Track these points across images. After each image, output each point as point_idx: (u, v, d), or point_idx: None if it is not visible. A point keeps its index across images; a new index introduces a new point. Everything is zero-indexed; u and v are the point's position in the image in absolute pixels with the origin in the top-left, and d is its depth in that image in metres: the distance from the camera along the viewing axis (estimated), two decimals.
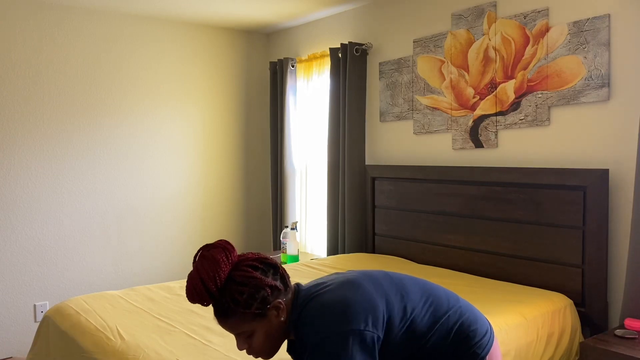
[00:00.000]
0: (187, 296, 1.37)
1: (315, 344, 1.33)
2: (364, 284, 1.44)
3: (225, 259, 1.37)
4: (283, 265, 1.55)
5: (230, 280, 1.36)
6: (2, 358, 3.65)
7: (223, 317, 1.37)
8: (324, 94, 4.21)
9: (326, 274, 3.11)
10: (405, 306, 1.44)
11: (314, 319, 1.37)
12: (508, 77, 3.01)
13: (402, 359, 1.44)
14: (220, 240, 1.42)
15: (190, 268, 4.45)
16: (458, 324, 1.49)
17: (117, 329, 2.26)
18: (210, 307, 2.56)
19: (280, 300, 1.40)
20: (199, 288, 1.34)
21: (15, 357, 3.69)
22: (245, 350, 1.50)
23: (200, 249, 1.41)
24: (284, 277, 1.44)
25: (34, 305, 3.78)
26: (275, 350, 1.45)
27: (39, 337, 2.65)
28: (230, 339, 2.15)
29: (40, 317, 3.76)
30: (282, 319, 1.41)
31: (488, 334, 1.53)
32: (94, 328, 2.30)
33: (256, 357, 1.45)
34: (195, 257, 1.40)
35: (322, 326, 1.34)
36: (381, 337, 1.38)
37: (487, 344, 1.51)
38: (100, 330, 2.27)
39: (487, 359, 1.50)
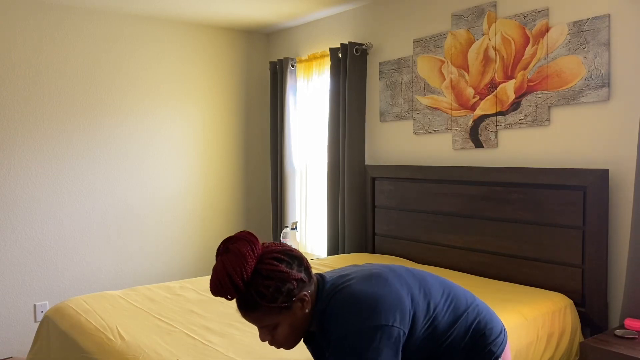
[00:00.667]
0: (211, 290, 1.34)
1: (342, 337, 1.32)
2: (390, 279, 1.43)
3: (251, 253, 1.34)
4: None
5: (256, 273, 1.34)
6: (2, 358, 3.65)
7: (248, 311, 1.35)
8: (324, 94, 4.21)
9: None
10: (428, 303, 1.44)
11: (342, 312, 1.36)
12: (508, 77, 3.01)
13: (421, 357, 1.44)
14: (243, 231, 1.39)
15: (191, 267, 4.45)
16: (476, 322, 1.49)
17: (117, 329, 2.26)
18: (210, 308, 2.56)
19: (305, 292, 1.38)
20: (226, 282, 1.32)
21: (15, 357, 3.69)
22: (267, 342, 1.49)
23: (224, 241, 1.38)
24: (308, 269, 1.42)
25: (34, 305, 3.78)
26: (297, 340, 1.44)
27: (39, 337, 2.65)
28: (229, 339, 2.15)
29: (40, 317, 3.76)
30: (307, 310, 1.40)
31: (502, 333, 1.54)
32: (94, 328, 2.30)
33: (278, 348, 1.44)
34: (218, 250, 1.37)
35: (350, 320, 1.33)
36: (407, 333, 1.37)
37: (501, 343, 1.51)
38: (100, 330, 2.27)
39: (502, 358, 1.50)
